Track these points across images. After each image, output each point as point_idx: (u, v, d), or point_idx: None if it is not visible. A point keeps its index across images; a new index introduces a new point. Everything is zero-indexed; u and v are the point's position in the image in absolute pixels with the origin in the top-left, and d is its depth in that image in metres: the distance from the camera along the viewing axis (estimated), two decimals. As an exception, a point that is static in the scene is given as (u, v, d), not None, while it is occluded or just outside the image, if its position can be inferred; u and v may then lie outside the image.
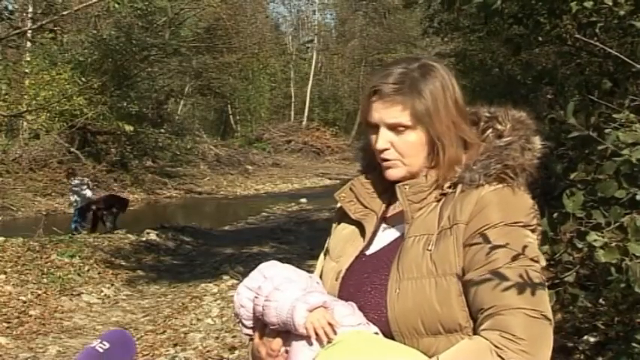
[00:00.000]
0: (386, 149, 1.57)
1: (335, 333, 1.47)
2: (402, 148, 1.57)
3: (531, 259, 1.47)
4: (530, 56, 9.67)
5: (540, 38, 5.32)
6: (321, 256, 1.76)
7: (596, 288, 4.93)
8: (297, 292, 1.52)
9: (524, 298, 1.43)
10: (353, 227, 1.67)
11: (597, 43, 3.34)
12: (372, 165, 1.66)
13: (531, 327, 1.42)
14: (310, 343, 1.48)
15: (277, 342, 1.54)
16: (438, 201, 1.57)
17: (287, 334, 1.53)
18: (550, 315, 1.46)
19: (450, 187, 1.56)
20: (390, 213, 1.65)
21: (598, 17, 3.86)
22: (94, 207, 14.83)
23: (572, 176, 1.63)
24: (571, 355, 4.79)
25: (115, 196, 16.62)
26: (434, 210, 1.56)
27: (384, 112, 1.56)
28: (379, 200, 1.66)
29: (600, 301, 5.19)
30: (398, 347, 1.49)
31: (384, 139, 1.57)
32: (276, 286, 1.55)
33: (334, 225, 1.75)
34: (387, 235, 1.63)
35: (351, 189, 1.69)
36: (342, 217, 1.71)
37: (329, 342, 1.47)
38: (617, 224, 1.53)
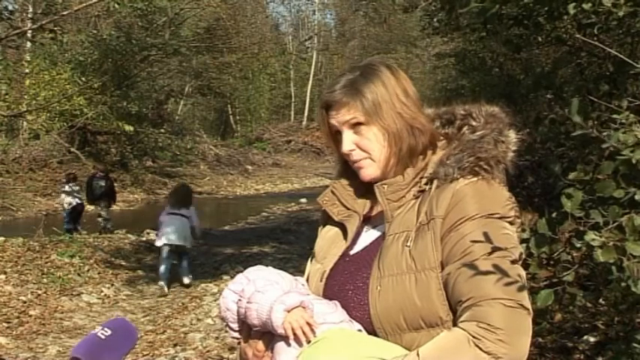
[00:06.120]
0: (352, 150, 1.64)
1: (314, 332, 1.50)
2: (365, 146, 1.63)
3: (508, 250, 1.48)
4: (530, 56, 9.68)
5: (540, 39, 5.33)
6: (309, 259, 1.79)
7: (596, 288, 4.94)
8: (277, 293, 1.55)
9: (501, 288, 1.44)
10: (337, 229, 1.72)
11: (597, 43, 3.35)
12: (350, 169, 1.71)
13: (508, 317, 1.43)
14: (291, 343, 1.50)
15: (262, 343, 1.57)
16: (416, 198, 1.60)
17: (271, 334, 1.55)
18: (528, 304, 1.47)
19: (426, 184, 1.59)
20: (373, 213, 1.69)
21: (597, 18, 3.86)
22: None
23: (570, 176, 1.63)
24: (571, 355, 4.79)
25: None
26: (412, 207, 1.59)
27: (339, 115, 1.63)
28: (361, 201, 1.71)
29: (600, 301, 5.20)
30: (380, 343, 1.51)
31: (348, 141, 1.64)
32: (257, 289, 1.57)
33: (320, 228, 1.80)
34: (369, 235, 1.67)
35: (332, 192, 1.74)
36: (327, 219, 1.76)
37: (308, 342, 1.49)
38: (616, 224, 1.54)
